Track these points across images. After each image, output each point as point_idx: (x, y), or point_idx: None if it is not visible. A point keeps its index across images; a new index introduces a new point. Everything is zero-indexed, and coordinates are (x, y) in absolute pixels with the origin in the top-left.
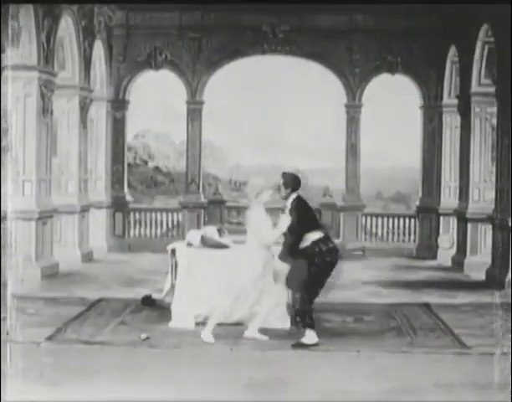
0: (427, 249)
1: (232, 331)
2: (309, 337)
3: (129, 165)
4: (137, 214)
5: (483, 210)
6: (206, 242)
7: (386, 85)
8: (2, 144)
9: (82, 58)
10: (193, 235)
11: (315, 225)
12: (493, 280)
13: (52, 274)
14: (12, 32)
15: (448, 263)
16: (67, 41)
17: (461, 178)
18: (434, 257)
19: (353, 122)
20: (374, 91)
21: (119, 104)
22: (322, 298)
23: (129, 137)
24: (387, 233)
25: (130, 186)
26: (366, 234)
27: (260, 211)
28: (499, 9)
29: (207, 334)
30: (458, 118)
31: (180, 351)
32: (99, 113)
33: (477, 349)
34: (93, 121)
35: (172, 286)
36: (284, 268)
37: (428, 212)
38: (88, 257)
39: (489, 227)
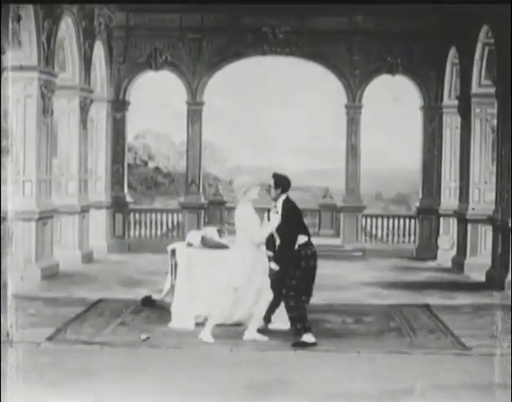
0: (427, 250)
1: (231, 331)
2: (308, 336)
3: (129, 165)
4: (137, 215)
5: (483, 211)
6: (206, 243)
7: (386, 85)
8: (3, 144)
9: (82, 59)
10: (193, 236)
11: (303, 228)
12: (493, 282)
13: (52, 274)
14: (13, 33)
15: (448, 264)
16: (67, 42)
17: (461, 179)
18: (434, 258)
19: (353, 123)
20: (374, 92)
21: (119, 104)
22: (322, 299)
23: (129, 138)
24: (387, 234)
25: (130, 186)
26: (366, 235)
27: (248, 209)
28: (499, 10)
29: (206, 334)
30: (459, 119)
31: (180, 351)
32: (100, 114)
33: (477, 350)
34: (93, 121)
35: (172, 287)
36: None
37: (428, 213)
38: (88, 257)
39: (490, 228)
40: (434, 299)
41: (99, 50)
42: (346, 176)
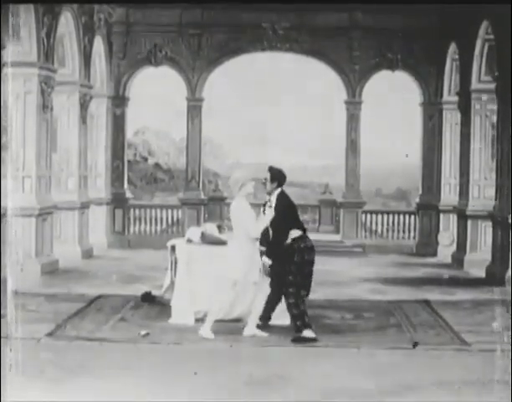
0: (427, 246)
1: (231, 327)
2: (308, 332)
3: (129, 162)
4: (137, 211)
5: (483, 207)
6: (206, 239)
7: (386, 81)
8: (2, 141)
9: (82, 54)
10: (193, 232)
11: (297, 222)
12: (493, 277)
13: (52, 270)
14: (13, 29)
15: (448, 260)
16: (67, 38)
17: (461, 175)
18: (434, 254)
19: (353, 119)
20: (374, 88)
21: (119, 100)
22: (322, 295)
23: (129, 134)
24: (387, 230)
25: (130, 183)
26: (365, 230)
27: (244, 204)
28: (499, 8)
29: (206, 330)
30: (458, 115)
31: (180, 347)
32: (99, 110)
33: (477, 346)
34: (93, 117)
35: (172, 283)
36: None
37: (428, 209)
38: (88, 253)
39: (489, 224)
40: (434, 295)
41: (98, 46)
42: (346, 172)
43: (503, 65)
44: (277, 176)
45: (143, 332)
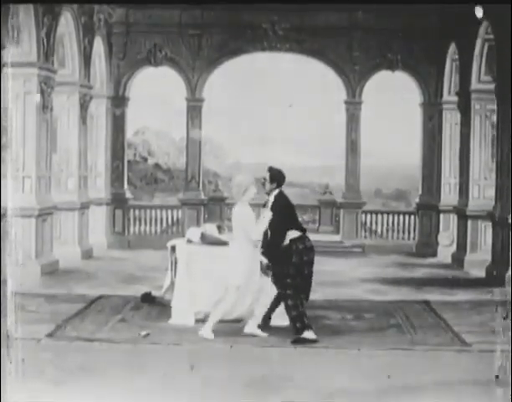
0: (427, 246)
1: (231, 328)
2: (309, 333)
3: (129, 162)
4: (137, 211)
5: (483, 207)
6: (206, 239)
7: (386, 82)
8: (2, 141)
9: (82, 55)
10: (193, 232)
11: (295, 223)
12: (493, 278)
13: (52, 271)
14: (12, 29)
15: (448, 260)
16: (67, 38)
17: (461, 175)
18: (434, 254)
19: (353, 119)
20: (374, 88)
21: (119, 101)
22: (322, 296)
23: (129, 134)
24: (387, 230)
25: (129, 183)
26: (365, 231)
27: (246, 209)
28: (499, 8)
29: (206, 331)
30: (458, 115)
31: (180, 348)
32: (99, 110)
33: (477, 346)
34: (93, 117)
35: (172, 283)
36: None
37: (428, 209)
38: (88, 254)
39: (489, 224)
40: (434, 295)
41: (98, 46)
42: (346, 172)
43: (502, 65)
44: (276, 176)
45: (143, 333)
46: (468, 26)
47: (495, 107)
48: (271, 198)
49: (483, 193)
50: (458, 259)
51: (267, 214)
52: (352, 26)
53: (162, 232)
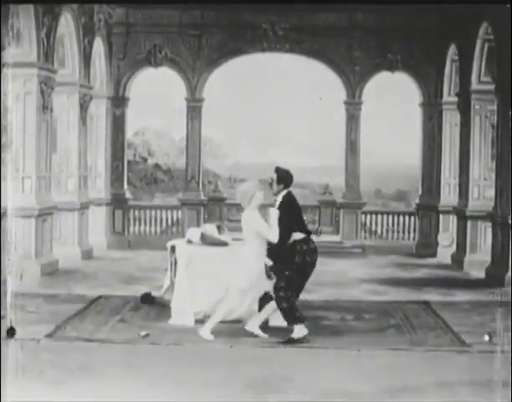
0: (427, 246)
1: (231, 328)
2: (298, 331)
3: (128, 162)
4: (137, 212)
5: (482, 208)
6: (205, 239)
7: (386, 82)
8: (2, 141)
9: (82, 55)
10: (193, 233)
11: (301, 224)
12: (492, 278)
13: (51, 271)
14: (13, 30)
15: (448, 261)
16: (67, 38)
17: (461, 176)
18: (434, 255)
19: (353, 120)
20: (374, 89)
21: (119, 101)
22: (321, 296)
23: (128, 134)
24: (387, 230)
25: (129, 183)
26: (365, 231)
27: (256, 215)
28: (499, 8)
29: (205, 331)
30: (458, 116)
31: (180, 348)
32: (99, 110)
33: (476, 347)
34: (93, 118)
35: (172, 284)
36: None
37: (428, 209)
38: (87, 254)
39: (489, 225)
40: (434, 296)
41: (98, 47)
42: (346, 172)
43: (503, 66)
44: (284, 177)
45: (143, 333)
46: (468, 26)
47: (495, 108)
48: (279, 198)
49: (483, 194)
50: (458, 259)
51: (274, 213)
52: (352, 26)
53: (162, 232)
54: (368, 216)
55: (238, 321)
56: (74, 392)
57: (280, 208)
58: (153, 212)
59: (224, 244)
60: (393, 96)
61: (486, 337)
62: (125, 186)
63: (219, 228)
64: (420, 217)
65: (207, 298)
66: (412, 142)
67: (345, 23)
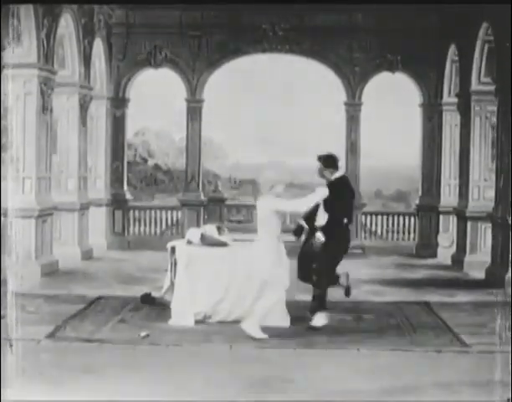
0: (427, 247)
1: (231, 328)
2: (318, 319)
3: (128, 163)
4: (137, 212)
5: (482, 209)
6: (205, 240)
7: (386, 83)
8: (2, 142)
9: (82, 56)
10: (193, 233)
11: (349, 211)
12: (493, 279)
13: (52, 271)
14: (13, 30)
15: (448, 261)
16: (67, 39)
17: (461, 177)
18: (434, 255)
19: (353, 120)
20: (374, 89)
21: (119, 102)
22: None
23: (129, 135)
24: (387, 231)
25: (129, 184)
26: (365, 232)
27: (274, 198)
28: (499, 9)
29: (256, 331)
30: (458, 116)
31: (180, 349)
32: (99, 111)
33: (476, 347)
34: (93, 118)
35: (172, 284)
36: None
37: (428, 210)
38: (87, 255)
39: (489, 225)
40: (434, 296)
41: (98, 47)
42: (346, 173)
43: (503, 67)
44: (328, 161)
45: (143, 334)
46: (468, 27)
47: (495, 108)
48: (332, 181)
49: (483, 195)
50: (458, 260)
51: (321, 191)
52: (352, 27)
53: (162, 233)
54: (368, 217)
55: (238, 321)
56: (74, 392)
57: (335, 190)
58: (153, 212)
59: (224, 244)
60: (393, 97)
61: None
62: (125, 186)
63: (219, 228)
64: (420, 218)
65: (207, 299)
66: (412, 143)
67: (345, 23)
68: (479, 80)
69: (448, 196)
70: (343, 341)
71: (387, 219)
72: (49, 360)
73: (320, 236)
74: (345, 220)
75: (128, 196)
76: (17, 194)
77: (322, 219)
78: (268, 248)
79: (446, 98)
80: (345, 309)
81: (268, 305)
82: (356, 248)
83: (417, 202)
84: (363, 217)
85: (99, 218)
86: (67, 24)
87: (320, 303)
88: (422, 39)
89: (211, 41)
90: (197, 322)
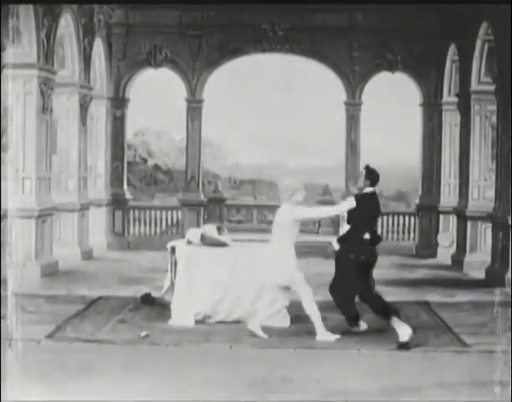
0: (427, 247)
1: (231, 328)
2: (403, 333)
3: (128, 163)
4: (137, 212)
5: (482, 208)
6: (205, 240)
7: (386, 82)
8: (2, 142)
9: (82, 56)
10: (193, 233)
11: (372, 227)
12: (492, 279)
13: (51, 272)
14: (13, 30)
15: (448, 261)
16: (67, 39)
17: (461, 176)
18: (434, 255)
19: (353, 120)
20: (374, 89)
21: (119, 102)
22: (322, 297)
23: (128, 135)
24: (387, 231)
25: (129, 184)
26: None
27: (294, 207)
28: (499, 8)
29: (327, 335)
30: (458, 116)
31: (180, 349)
32: (99, 111)
33: (476, 347)
34: (93, 118)
35: (172, 284)
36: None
37: (428, 210)
38: (87, 255)
39: (489, 225)
40: (434, 296)
41: (98, 47)
42: (346, 173)
43: (502, 66)
44: (371, 174)
45: (143, 334)
46: (467, 26)
47: (495, 108)
48: (361, 194)
49: (483, 194)
50: (458, 260)
51: (349, 201)
52: (352, 27)
53: (162, 233)
54: None
55: (238, 321)
56: (74, 392)
57: (361, 203)
58: (153, 212)
59: (224, 244)
60: (393, 97)
61: None
62: (125, 187)
63: (219, 229)
64: (420, 217)
65: (206, 299)
66: (412, 143)
67: (345, 23)
68: (479, 80)
69: (448, 196)
70: (343, 341)
71: (387, 219)
72: (49, 360)
73: (334, 244)
74: (367, 235)
75: (128, 196)
76: (17, 194)
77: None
78: (288, 251)
79: (446, 97)
80: None
81: (274, 307)
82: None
83: (417, 202)
84: None
85: (99, 218)
86: (67, 24)
87: (384, 313)
88: (422, 39)
89: (211, 41)
90: (196, 322)
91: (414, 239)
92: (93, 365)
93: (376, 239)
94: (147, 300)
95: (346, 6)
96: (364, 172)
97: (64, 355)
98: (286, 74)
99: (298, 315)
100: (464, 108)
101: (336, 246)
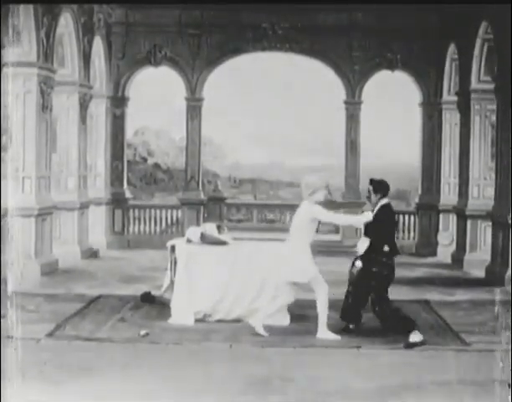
0: (427, 246)
1: (231, 328)
2: (415, 336)
3: (128, 162)
4: (136, 211)
5: (482, 207)
6: (205, 239)
7: (386, 82)
8: (2, 141)
9: (81, 55)
10: (193, 232)
11: (390, 239)
12: (492, 277)
13: (51, 270)
14: (12, 29)
15: (448, 260)
16: (66, 38)
17: (460, 175)
18: (434, 254)
19: (352, 119)
20: (373, 88)
21: (118, 101)
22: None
23: (128, 134)
24: None
25: (129, 183)
26: None
27: (315, 206)
28: (499, 8)
29: (329, 334)
30: (458, 115)
31: (180, 347)
32: (99, 110)
33: (476, 346)
34: (92, 117)
35: (172, 283)
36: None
37: (428, 209)
38: (87, 254)
39: (489, 224)
40: (434, 295)
41: (98, 46)
42: (346, 172)
43: (502, 65)
44: (378, 187)
45: (143, 332)
46: (467, 26)
47: (495, 107)
48: (377, 208)
49: (483, 193)
50: (458, 258)
51: (365, 215)
52: (352, 26)
53: (162, 232)
54: None
55: (238, 320)
56: (74, 391)
57: (378, 217)
58: (153, 211)
59: (224, 243)
60: (393, 96)
61: None
62: (125, 185)
63: (219, 227)
64: (420, 216)
65: (206, 297)
66: (412, 142)
67: (345, 22)
68: (479, 79)
69: (448, 194)
70: (343, 339)
71: None
72: (49, 359)
73: (358, 263)
74: (387, 248)
75: (128, 195)
76: (16, 193)
77: (362, 246)
78: (305, 249)
79: (446, 96)
80: None
81: (276, 306)
82: (356, 247)
83: (417, 200)
84: None
85: (98, 217)
86: (66, 23)
87: (404, 324)
88: (422, 38)
89: (210, 40)
90: (196, 320)
91: (414, 237)
92: (93, 364)
93: (394, 250)
94: (147, 298)
95: (346, 6)
96: (371, 187)
97: (64, 354)
98: (286, 74)
99: (298, 314)
100: (464, 107)
101: (360, 264)
